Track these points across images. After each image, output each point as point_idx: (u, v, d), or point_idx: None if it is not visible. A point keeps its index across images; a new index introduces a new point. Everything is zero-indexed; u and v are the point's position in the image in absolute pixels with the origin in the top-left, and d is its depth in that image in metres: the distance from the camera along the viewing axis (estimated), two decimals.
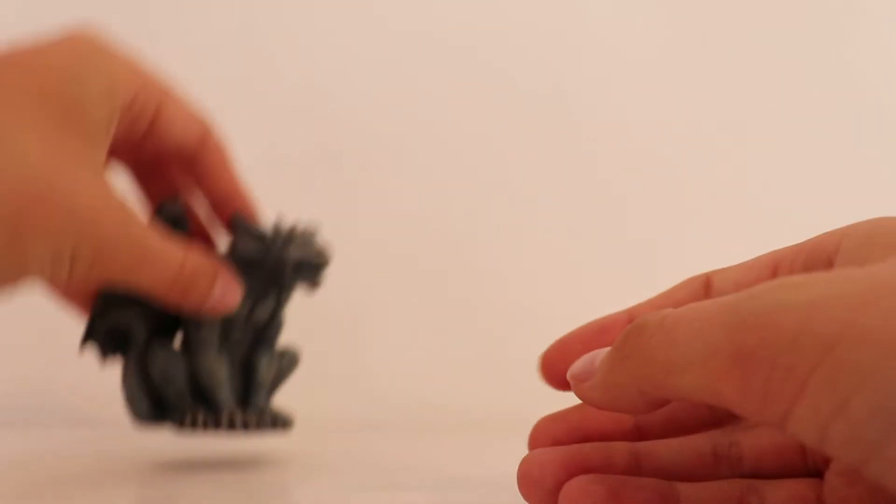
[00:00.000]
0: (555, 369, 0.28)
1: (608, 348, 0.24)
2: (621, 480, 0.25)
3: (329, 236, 0.62)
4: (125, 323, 0.43)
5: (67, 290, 0.43)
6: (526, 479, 0.27)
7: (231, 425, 0.42)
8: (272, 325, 0.45)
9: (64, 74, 0.34)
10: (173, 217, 0.42)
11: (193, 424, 0.42)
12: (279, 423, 0.44)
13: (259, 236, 0.42)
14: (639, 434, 0.29)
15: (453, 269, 0.64)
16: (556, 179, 0.65)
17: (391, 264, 0.64)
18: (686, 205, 0.65)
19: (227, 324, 0.43)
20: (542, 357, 0.29)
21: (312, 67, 0.66)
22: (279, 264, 0.42)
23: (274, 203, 0.62)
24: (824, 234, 0.26)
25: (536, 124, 0.66)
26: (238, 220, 0.43)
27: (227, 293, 0.40)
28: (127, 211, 0.35)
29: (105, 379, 0.46)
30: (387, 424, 0.58)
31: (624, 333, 0.23)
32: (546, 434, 0.29)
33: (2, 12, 0.67)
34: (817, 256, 0.25)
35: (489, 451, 0.48)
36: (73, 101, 0.33)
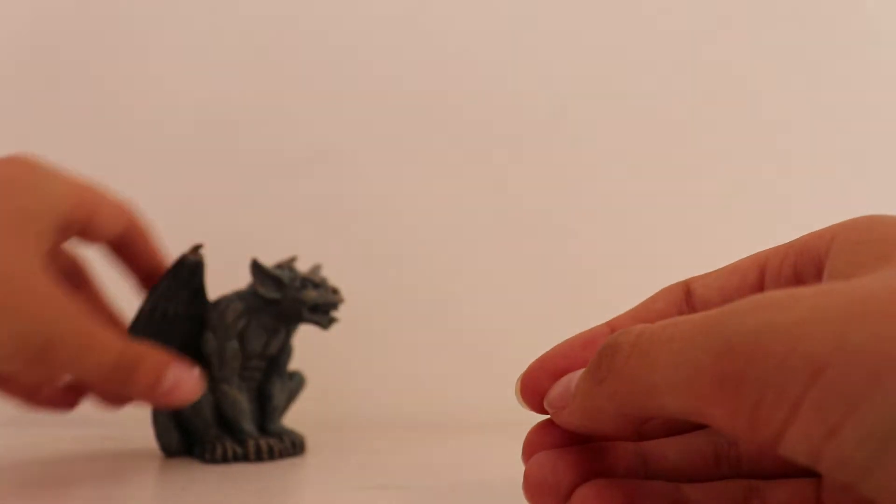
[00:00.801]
0: (534, 391, 0.26)
1: (583, 370, 0.23)
2: (635, 484, 0.25)
3: (330, 236, 0.64)
4: None
5: (11, 385, 0.46)
6: (535, 482, 0.25)
7: (258, 455, 0.46)
8: (283, 353, 0.49)
9: (14, 191, 0.39)
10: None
11: (224, 457, 0.45)
12: (297, 446, 0.48)
13: (277, 279, 0.46)
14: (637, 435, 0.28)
15: (455, 272, 0.65)
16: (550, 185, 0.66)
17: (393, 266, 0.65)
18: (679, 202, 0.66)
19: (245, 357, 0.47)
20: (521, 380, 0.27)
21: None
22: (296, 305, 0.46)
23: (276, 202, 0.64)
24: (813, 233, 0.25)
25: (536, 135, 0.67)
26: (257, 264, 0.46)
27: (182, 384, 0.40)
28: (72, 304, 0.38)
29: None
30: (390, 425, 0.59)
31: (597, 355, 0.22)
32: (543, 438, 0.27)
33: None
34: (807, 259, 0.24)
35: (490, 452, 0.50)
36: (23, 214, 0.38)
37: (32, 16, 0.67)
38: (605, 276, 0.64)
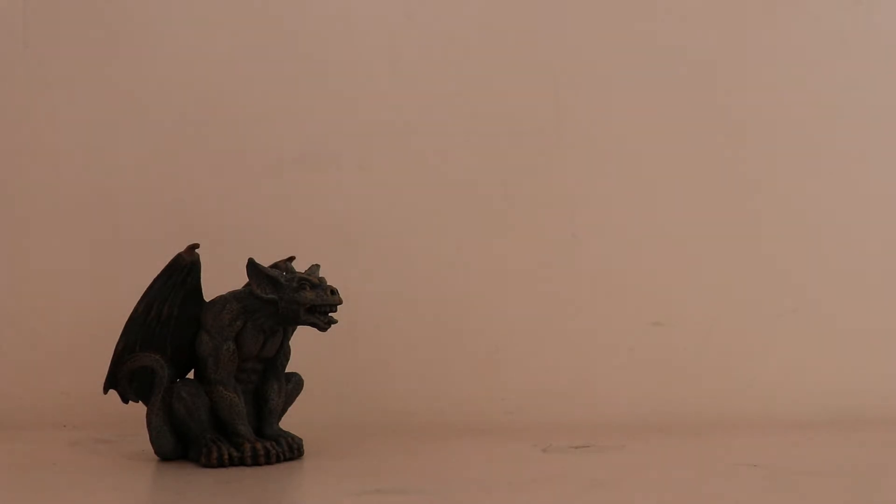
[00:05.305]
0: None
1: None
2: None
3: (330, 236, 0.62)
4: (150, 367, 0.46)
5: None
6: None
7: (255, 459, 0.45)
8: (280, 355, 0.48)
9: None
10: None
11: (220, 461, 0.45)
12: (295, 450, 0.47)
13: (274, 279, 0.45)
14: None
15: (456, 274, 0.64)
16: (550, 187, 0.65)
17: (393, 268, 0.64)
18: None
19: (241, 359, 0.46)
20: None
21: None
22: (293, 306, 0.45)
23: (275, 200, 0.64)
24: None
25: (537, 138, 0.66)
26: (253, 264, 0.45)
27: None
28: None
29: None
30: (390, 428, 0.58)
31: None
32: None
33: None
34: None
35: (490, 455, 0.49)
36: None
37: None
38: (606, 278, 0.64)
